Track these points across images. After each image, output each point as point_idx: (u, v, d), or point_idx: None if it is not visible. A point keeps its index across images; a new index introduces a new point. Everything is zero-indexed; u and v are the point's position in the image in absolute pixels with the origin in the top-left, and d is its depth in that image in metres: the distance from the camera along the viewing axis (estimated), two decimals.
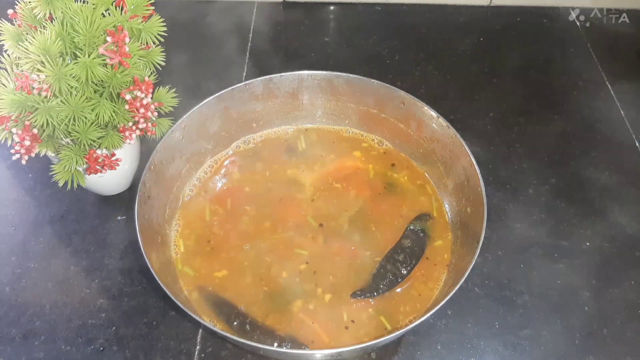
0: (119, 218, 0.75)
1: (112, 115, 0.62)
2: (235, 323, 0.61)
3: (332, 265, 0.66)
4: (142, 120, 0.64)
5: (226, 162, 0.77)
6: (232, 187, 0.74)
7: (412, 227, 0.69)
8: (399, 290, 0.64)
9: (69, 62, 0.60)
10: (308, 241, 0.68)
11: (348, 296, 0.63)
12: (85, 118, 0.61)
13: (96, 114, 0.61)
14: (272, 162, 0.76)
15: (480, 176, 0.64)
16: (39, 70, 0.58)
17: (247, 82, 0.74)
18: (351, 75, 0.75)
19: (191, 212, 0.71)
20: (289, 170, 0.75)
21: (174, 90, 0.69)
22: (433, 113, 0.71)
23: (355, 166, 0.76)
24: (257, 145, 0.79)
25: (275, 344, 0.59)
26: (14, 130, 0.59)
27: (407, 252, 0.66)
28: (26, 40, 0.59)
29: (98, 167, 0.64)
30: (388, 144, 0.78)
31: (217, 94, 0.73)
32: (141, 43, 0.64)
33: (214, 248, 0.67)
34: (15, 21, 0.63)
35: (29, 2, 0.61)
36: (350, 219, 0.70)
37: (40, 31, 0.60)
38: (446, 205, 0.72)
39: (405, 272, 0.65)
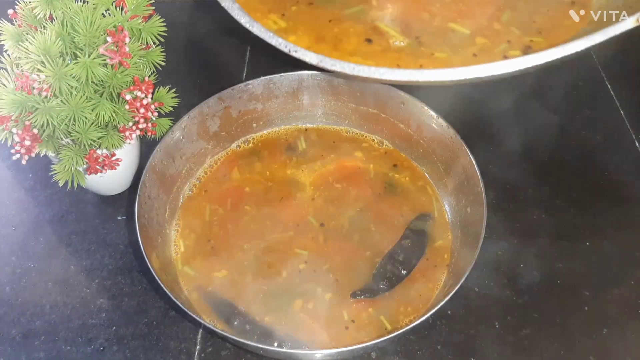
0: (119, 218, 0.75)
1: (112, 115, 0.62)
2: (235, 323, 0.61)
3: (332, 265, 0.66)
4: (142, 120, 0.64)
5: (226, 162, 0.77)
6: (232, 187, 0.74)
7: (412, 227, 0.69)
8: (399, 290, 0.64)
9: (69, 62, 0.60)
10: (308, 241, 0.68)
11: (348, 296, 0.63)
12: (85, 118, 0.61)
13: (96, 114, 0.61)
14: (272, 162, 0.76)
15: (480, 176, 0.64)
16: (39, 70, 0.58)
17: (247, 82, 0.74)
18: None
19: (191, 212, 0.71)
20: (289, 170, 0.75)
21: (174, 90, 0.69)
22: (433, 113, 0.71)
23: (355, 166, 0.76)
24: (257, 145, 0.79)
25: (275, 344, 0.59)
26: (14, 130, 0.59)
27: (407, 252, 0.66)
28: (26, 40, 0.59)
29: (98, 167, 0.64)
30: (388, 144, 0.78)
31: (217, 94, 0.73)
32: (141, 43, 0.65)
33: (214, 248, 0.67)
34: (15, 21, 0.63)
35: (29, 2, 0.61)
36: (351, 219, 0.70)
37: (41, 31, 0.60)
38: (446, 205, 0.72)
39: (405, 272, 0.65)
